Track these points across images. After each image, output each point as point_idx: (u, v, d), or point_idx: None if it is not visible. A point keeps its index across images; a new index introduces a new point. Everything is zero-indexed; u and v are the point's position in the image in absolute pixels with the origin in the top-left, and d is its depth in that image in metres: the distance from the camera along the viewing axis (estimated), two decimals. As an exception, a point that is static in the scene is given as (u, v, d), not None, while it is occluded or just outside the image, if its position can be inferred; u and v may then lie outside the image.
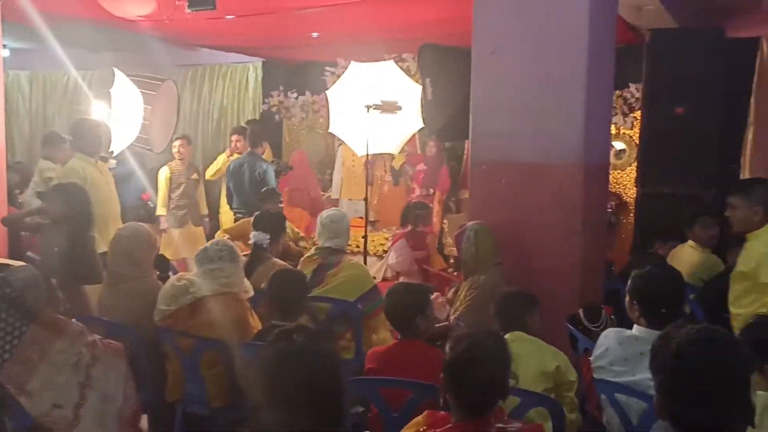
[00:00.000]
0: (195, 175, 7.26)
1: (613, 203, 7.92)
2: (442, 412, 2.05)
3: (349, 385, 2.82)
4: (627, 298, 2.82)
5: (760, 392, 2.22)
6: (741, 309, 3.51)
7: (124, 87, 7.02)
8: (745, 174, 7.62)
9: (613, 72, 4.51)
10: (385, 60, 6.98)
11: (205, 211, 7.43)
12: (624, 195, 7.82)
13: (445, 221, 7.32)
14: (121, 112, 6.87)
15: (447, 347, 1.98)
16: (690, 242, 4.79)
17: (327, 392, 1.73)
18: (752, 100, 7.52)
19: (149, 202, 7.11)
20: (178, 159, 7.17)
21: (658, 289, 2.71)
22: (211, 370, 3.32)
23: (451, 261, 6.54)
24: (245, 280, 3.51)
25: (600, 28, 4.22)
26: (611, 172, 7.93)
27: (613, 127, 7.92)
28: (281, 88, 9.25)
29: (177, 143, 7.15)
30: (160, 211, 7.07)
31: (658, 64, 5.76)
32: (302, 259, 4.34)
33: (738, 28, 7.27)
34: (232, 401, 3.33)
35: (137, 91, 7.06)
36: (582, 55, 4.07)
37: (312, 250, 4.33)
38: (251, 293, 3.57)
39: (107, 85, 7.22)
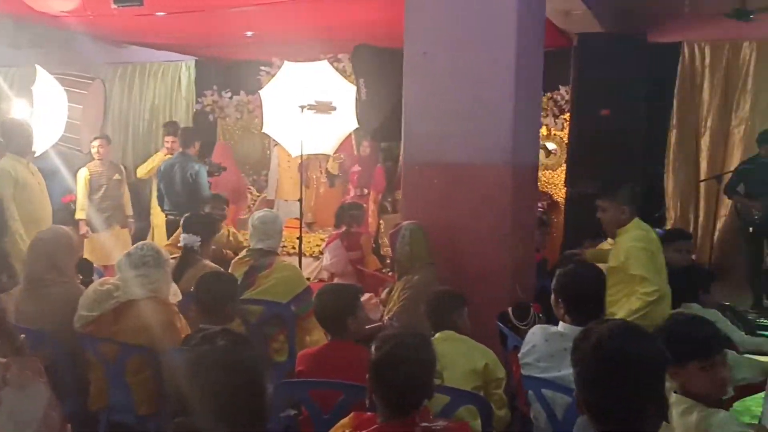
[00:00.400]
0: (117, 176, 7.02)
1: (544, 203, 8.11)
2: (369, 413, 2.05)
3: (277, 388, 2.82)
4: (552, 297, 2.88)
5: (675, 394, 2.27)
6: (611, 297, 3.65)
7: (46, 85, 6.76)
8: (668, 174, 7.96)
9: (542, 75, 4.62)
10: (320, 60, 6.95)
11: (129, 212, 7.19)
12: (555, 195, 8.01)
13: (381, 221, 7.34)
14: (44, 111, 6.60)
15: (372, 348, 1.98)
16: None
17: (248, 396, 1.70)
18: (675, 103, 7.85)
19: (71, 204, 6.85)
20: (98, 159, 6.92)
21: (581, 286, 2.79)
22: (137, 377, 3.22)
23: (388, 261, 6.57)
24: (172, 284, 3.43)
25: (528, 32, 4.31)
26: (543, 172, 8.15)
27: (544, 129, 8.14)
28: (215, 87, 9.10)
29: (96, 143, 6.89)
30: (79, 214, 6.78)
31: (584, 67, 5.94)
32: (233, 261, 4.27)
33: (661, 34, 7.57)
34: (159, 408, 3.24)
35: (61, 89, 6.81)
36: (510, 59, 4.14)
37: (243, 252, 4.27)
38: (179, 297, 3.49)
39: (29, 83, 6.93)
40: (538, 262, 5.05)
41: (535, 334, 2.95)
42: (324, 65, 6.53)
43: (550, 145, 8.10)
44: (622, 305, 3.68)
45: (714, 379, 2.20)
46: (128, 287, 3.19)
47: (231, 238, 5.71)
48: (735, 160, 7.52)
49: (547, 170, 8.16)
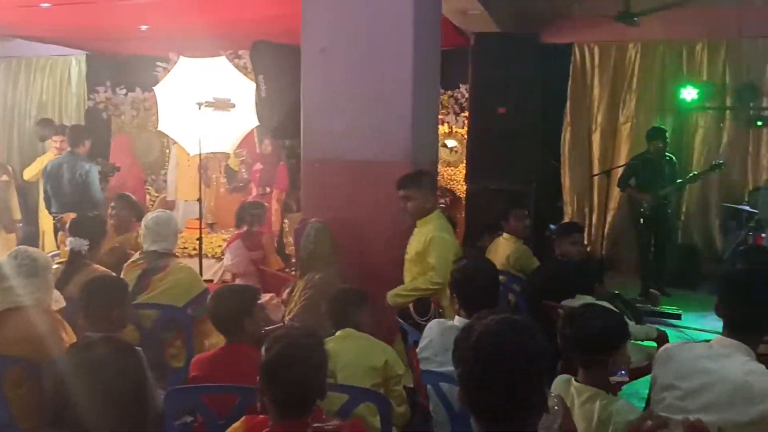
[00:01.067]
0: (5, 177, 6.59)
1: (447, 199, 8.28)
2: (261, 416, 2.00)
3: (169, 395, 2.71)
4: (448, 292, 2.92)
5: (577, 383, 2.33)
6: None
7: None
8: (565, 170, 8.29)
9: (440, 72, 4.69)
10: (219, 56, 6.78)
11: (18, 215, 6.77)
12: (458, 191, 8.18)
13: (285, 220, 7.24)
14: None
15: (263, 349, 1.93)
16: (504, 234, 5.08)
17: (130, 405, 1.62)
18: (568, 101, 8.19)
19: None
20: (-21, 160, 6.48)
21: (474, 281, 2.84)
22: (16, 390, 3.01)
23: (293, 261, 6.49)
24: (53, 291, 3.23)
25: (425, 30, 4.36)
26: (445, 169, 8.31)
27: (445, 126, 8.30)
28: (108, 83, 8.70)
29: (-24, 143, 6.47)
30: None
31: (481, 66, 6.09)
32: (126, 264, 4.08)
33: (553, 35, 7.87)
34: (41, 422, 3.04)
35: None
36: (408, 56, 4.18)
37: (136, 255, 4.09)
38: (62, 304, 3.29)
39: None
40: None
41: (432, 328, 2.98)
42: (222, 61, 6.36)
43: (451, 143, 8.27)
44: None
45: (615, 368, 2.32)
46: (4, 297, 2.97)
47: (140, 240, 5.46)
48: (623, 156, 7.93)
49: (449, 167, 8.33)
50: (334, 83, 4.30)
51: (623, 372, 2.46)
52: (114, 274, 3.88)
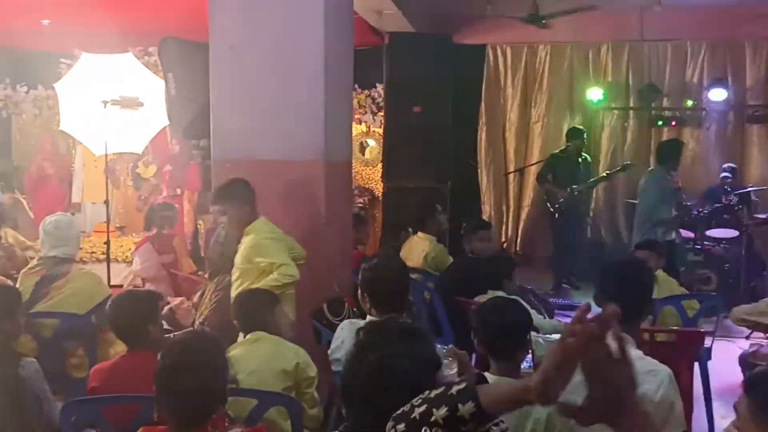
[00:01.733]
0: None
1: (365, 198, 8.29)
2: (159, 427, 1.92)
3: (66, 408, 2.57)
4: (359, 291, 2.90)
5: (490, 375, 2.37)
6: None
7: None
8: (481, 168, 8.44)
9: (353, 71, 4.66)
10: (127, 52, 6.51)
11: None
12: (376, 190, 8.19)
13: (200, 222, 7.06)
14: None
15: (158, 356, 1.85)
16: (420, 233, 5.11)
17: (10, 419, 1.52)
18: (482, 102, 8.35)
19: None
20: None
21: (385, 279, 2.83)
22: None
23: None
24: None
25: (337, 29, 4.33)
26: (363, 168, 8.31)
27: (363, 126, 8.30)
28: (8, 80, 8.23)
29: None
30: None
31: (396, 66, 6.12)
32: (23, 271, 3.87)
33: (467, 36, 8.00)
34: None
35: None
36: (319, 55, 4.13)
37: (34, 261, 3.88)
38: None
39: None
40: (359, 258, 5.10)
41: (344, 329, 2.95)
42: (129, 58, 6.13)
43: (370, 142, 8.28)
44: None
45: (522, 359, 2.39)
46: None
47: (12, 238, 5.19)
48: (536, 154, 8.16)
49: (368, 166, 8.33)
50: (244, 82, 4.21)
51: (529, 362, 2.53)
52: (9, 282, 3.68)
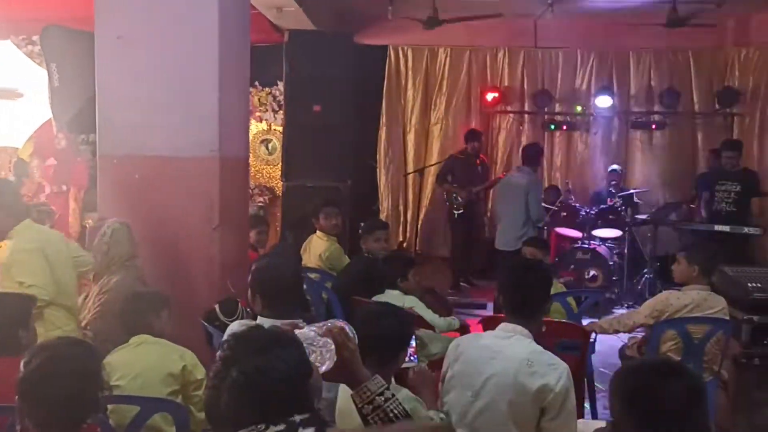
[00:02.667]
0: None
1: (266, 197, 8.16)
2: (26, 438, 1.79)
3: None
4: (249, 292, 2.83)
5: None
6: None
7: None
8: (381, 168, 8.50)
9: (249, 67, 4.55)
10: (5, 40, 6.10)
11: None
12: (277, 189, 8.07)
13: (89, 220, 6.70)
14: None
15: (21, 363, 1.72)
16: (318, 233, 5.08)
17: None
18: (384, 102, 8.41)
19: None
20: None
21: (274, 279, 2.76)
22: None
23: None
24: None
25: (232, 22, 4.21)
26: (264, 167, 8.17)
27: (264, 124, 8.17)
28: None
29: None
30: None
31: (296, 64, 6.05)
32: None
33: (369, 36, 8.04)
34: None
35: None
36: (213, 48, 4.01)
37: None
38: None
39: None
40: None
41: (233, 330, 2.87)
42: (7, 46, 5.73)
43: (271, 140, 8.15)
44: None
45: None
46: None
47: None
48: (435, 155, 8.31)
49: (269, 165, 8.21)
50: (133, 74, 4.02)
51: (413, 358, 2.54)
52: None
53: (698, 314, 3.63)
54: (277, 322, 2.54)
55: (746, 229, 6.26)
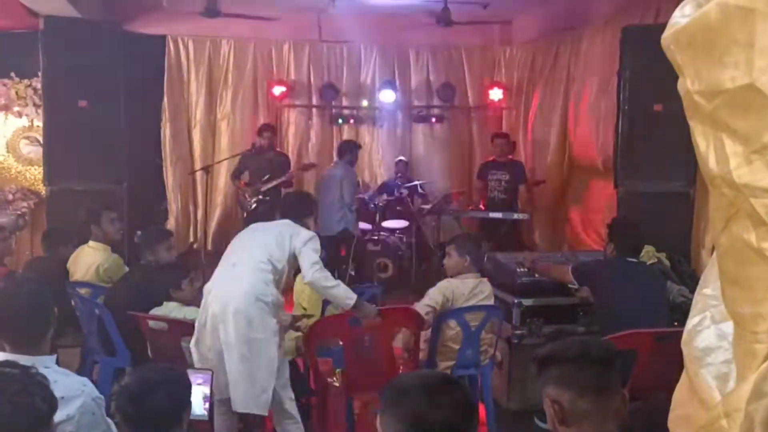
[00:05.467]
0: None
1: (32, 202, 7.30)
2: None
3: None
4: None
5: None
6: None
7: None
8: (167, 167, 8.00)
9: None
10: None
11: None
12: (44, 192, 7.24)
13: None
14: None
15: None
16: (91, 242, 4.61)
17: None
18: (165, 97, 7.90)
19: None
20: None
21: (12, 309, 2.36)
22: None
23: None
24: None
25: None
26: (28, 168, 7.32)
27: (25, 119, 7.30)
28: None
29: None
30: None
31: (55, 54, 5.41)
32: None
33: (143, 25, 7.49)
34: None
35: None
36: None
37: None
38: None
39: None
40: (6, 275, 4.40)
41: None
42: None
43: (34, 138, 7.29)
44: None
45: None
46: None
47: None
48: (224, 151, 7.99)
49: (33, 165, 7.35)
50: None
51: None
52: None
53: (474, 303, 3.83)
54: (25, 360, 2.19)
55: (515, 215, 6.81)
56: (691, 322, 1.18)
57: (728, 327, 1.08)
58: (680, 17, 1.00)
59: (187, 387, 2.12)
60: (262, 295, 3.33)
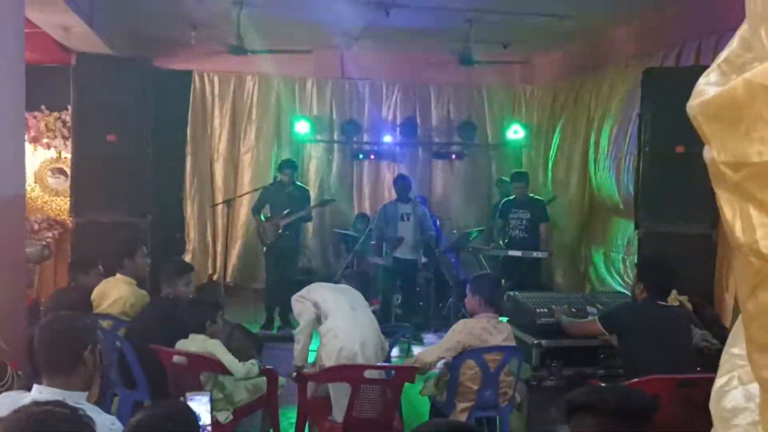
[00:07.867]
0: None
1: (56, 232, 7.43)
2: None
3: None
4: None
5: None
6: None
7: None
8: (187, 200, 8.11)
9: (24, 90, 4.08)
10: None
11: None
12: (69, 222, 7.36)
13: None
14: None
15: None
16: (118, 275, 4.64)
17: None
18: (189, 130, 8.05)
19: None
20: None
21: (49, 342, 2.42)
22: None
23: None
24: None
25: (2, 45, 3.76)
26: (54, 198, 7.46)
27: (54, 151, 7.47)
28: None
29: None
30: None
31: (86, 88, 5.55)
32: None
33: (171, 61, 7.68)
34: None
35: None
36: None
37: None
38: None
39: None
40: (30, 305, 4.47)
41: (2, 403, 2.47)
42: None
43: (62, 169, 7.45)
44: None
45: None
46: None
47: None
48: (246, 185, 8.09)
49: (59, 196, 7.51)
50: None
51: None
52: None
53: (493, 344, 3.81)
54: (58, 394, 2.22)
55: (535, 254, 6.79)
56: (719, 381, 1.18)
57: (755, 388, 1.08)
58: (705, 85, 1.02)
59: (195, 421, 2.15)
60: None
